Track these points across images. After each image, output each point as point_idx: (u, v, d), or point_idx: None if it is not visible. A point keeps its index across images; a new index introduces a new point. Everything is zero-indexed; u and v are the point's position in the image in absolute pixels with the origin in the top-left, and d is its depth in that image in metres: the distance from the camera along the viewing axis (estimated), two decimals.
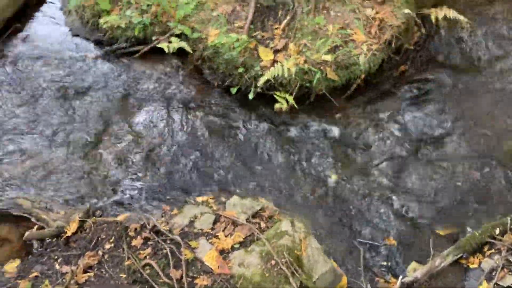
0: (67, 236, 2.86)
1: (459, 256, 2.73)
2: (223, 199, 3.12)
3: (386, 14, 3.81)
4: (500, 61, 4.05)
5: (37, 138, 3.60)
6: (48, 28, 4.54)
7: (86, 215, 2.96)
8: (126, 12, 4.13)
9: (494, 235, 2.74)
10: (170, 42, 3.87)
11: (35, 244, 2.93)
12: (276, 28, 3.89)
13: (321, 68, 3.62)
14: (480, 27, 4.18)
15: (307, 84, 3.67)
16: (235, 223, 2.72)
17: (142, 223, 2.78)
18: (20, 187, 3.31)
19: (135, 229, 2.74)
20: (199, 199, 3.12)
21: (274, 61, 3.69)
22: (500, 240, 2.71)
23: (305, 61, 3.61)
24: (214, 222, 2.76)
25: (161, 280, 2.38)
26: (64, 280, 2.49)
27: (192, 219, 2.81)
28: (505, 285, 2.53)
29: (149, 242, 2.63)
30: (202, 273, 2.42)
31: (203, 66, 4.05)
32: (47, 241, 2.92)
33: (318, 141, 3.57)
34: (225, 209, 2.90)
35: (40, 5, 4.77)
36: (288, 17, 3.88)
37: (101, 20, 4.15)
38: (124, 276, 2.44)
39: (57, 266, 2.62)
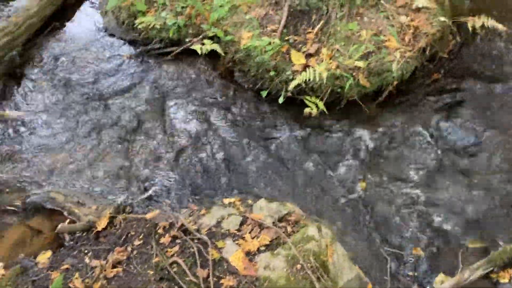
0: (97, 231, 2.93)
1: (489, 270, 2.68)
2: (250, 202, 3.13)
3: (421, 22, 3.76)
4: None
5: (72, 134, 3.71)
6: (85, 27, 4.67)
7: (116, 211, 3.02)
8: (161, 14, 4.20)
9: None
10: (203, 44, 3.91)
11: (67, 237, 3.02)
12: (309, 33, 3.88)
13: (353, 74, 3.60)
14: None
15: (338, 90, 3.65)
16: (261, 226, 2.73)
17: (170, 221, 2.82)
18: (54, 181, 3.41)
19: (164, 227, 2.78)
20: (226, 200, 3.14)
21: (306, 66, 3.69)
22: None
23: (337, 67, 3.60)
24: (241, 224, 2.78)
25: (187, 279, 2.41)
26: (93, 274, 2.55)
27: (219, 220, 2.83)
28: None
29: (177, 241, 2.67)
30: (228, 274, 2.44)
31: (234, 69, 4.09)
32: (78, 234, 3.01)
33: (347, 147, 3.55)
34: (252, 211, 2.92)
35: (79, 5, 4.92)
36: (321, 22, 3.87)
37: (137, 21, 4.24)
38: (152, 272, 2.49)
39: (87, 260, 2.69)
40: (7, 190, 3.36)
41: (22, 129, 3.75)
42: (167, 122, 3.78)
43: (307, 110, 3.65)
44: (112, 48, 4.39)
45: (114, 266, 2.58)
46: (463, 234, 3.08)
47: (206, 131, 3.73)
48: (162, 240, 2.69)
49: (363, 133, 3.64)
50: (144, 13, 4.28)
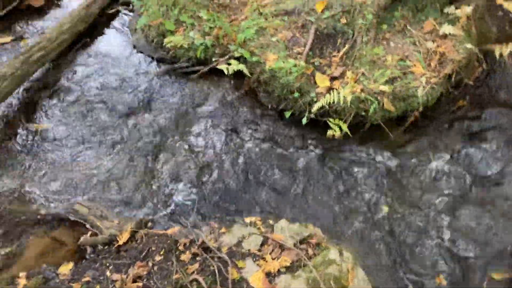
0: (119, 245, 2.97)
1: None
2: (271, 222, 3.14)
3: (447, 48, 3.76)
4: None
5: (98, 147, 3.78)
6: (115, 43, 4.79)
7: (138, 225, 3.06)
8: (190, 33, 4.29)
9: None
10: (229, 64, 3.97)
11: (88, 250, 3.06)
12: (334, 56, 3.92)
13: (378, 98, 3.60)
14: None
15: (362, 113, 3.65)
16: (282, 247, 2.73)
17: (191, 238, 2.84)
18: (78, 193, 3.47)
19: (185, 244, 2.80)
20: (247, 219, 3.15)
21: (330, 88, 3.71)
22: None
23: (362, 90, 3.61)
24: (262, 244, 2.78)
25: None
26: None
27: (240, 239, 2.84)
28: None
29: (197, 258, 2.68)
30: None
31: (258, 89, 4.13)
32: (100, 247, 3.05)
33: (371, 171, 3.54)
34: (273, 232, 2.92)
35: (109, 22, 5.06)
36: (347, 46, 3.90)
37: (165, 40, 4.33)
38: None
39: (108, 273, 2.71)
40: (33, 200, 3.42)
41: (49, 141, 3.84)
42: (191, 139, 3.83)
43: (330, 132, 3.66)
44: (140, 65, 4.48)
45: (134, 281, 2.60)
46: (487, 264, 3.02)
47: (229, 149, 3.76)
48: (183, 257, 2.71)
49: (386, 158, 3.62)
50: (172, 33, 4.37)
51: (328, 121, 3.67)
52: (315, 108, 3.60)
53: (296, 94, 3.78)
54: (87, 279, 2.69)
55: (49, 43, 4.36)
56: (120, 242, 2.96)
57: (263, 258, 2.65)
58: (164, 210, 3.35)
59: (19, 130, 3.92)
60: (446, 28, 3.82)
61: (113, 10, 5.17)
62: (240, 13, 4.43)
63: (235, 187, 3.48)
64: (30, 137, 3.87)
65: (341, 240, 3.05)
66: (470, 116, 3.91)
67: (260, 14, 4.25)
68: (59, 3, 5.44)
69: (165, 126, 3.92)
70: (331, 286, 2.42)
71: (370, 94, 3.61)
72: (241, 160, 3.67)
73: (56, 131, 3.91)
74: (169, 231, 2.98)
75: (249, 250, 2.74)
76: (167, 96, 4.17)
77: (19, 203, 3.39)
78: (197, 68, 4.32)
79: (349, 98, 3.51)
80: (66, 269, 2.90)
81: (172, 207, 3.37)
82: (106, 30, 4.97)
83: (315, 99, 3.70)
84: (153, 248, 2.81)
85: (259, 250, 2.73)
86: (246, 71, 3.97)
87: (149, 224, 3.18)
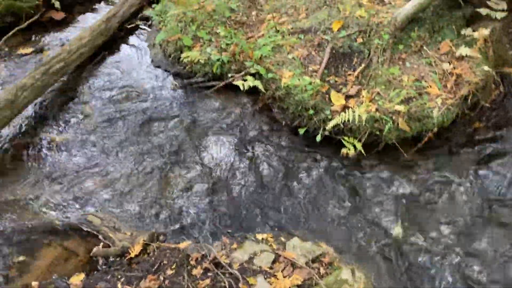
0: (131, 257, 2.98)
1: None
2: (283, 239, 3.13)
3: (464, 70, 3.76)
4: None
5: (112, 159, 3.81)
6: (133, 57, 4.87)
7: (150, 238, 3.06)
8: (207, 49, 4.35)
9: None
10: (245, 80, 4.01)
11: (100, 261, 3.07)
12: (349, 75, 3.94)
13: (393, 117, 3.59)
14: None
15: (377, 132, 3.65)
16: (294, 265, 2.72)
17: (203, 253, 2.84)
18: (91, 204, 3.50)
19: (196, 258, 2.80)
20: (259, 236, 3.14)
21: (345, 107, 3.72)
22: None
23: (377, 109, 3.61)
24: (273, 261, 2.77)
25: None
26: None
27: (251, 255, 2.83)
28: None
29: (209, 273, 2.68)
30: None
31: (273, 105, 4.15)
32: (112, 259, 3.06)
33: (384, 191, 3.51)
34: (285, 249, 2.91)
35: (128, 37, 5.15)
36: (362, 65, 3.92)
37: (183, 55, 4.40)
38: None
39: (119, 285, 2.72)
40: (46, 210, 3.46)
41: (66, 152, 3.89)
42: (205, 153, 3.85)
43: (344, 150, 3.66)
44: (157, 79, 4.55)
45: None
46: None
47: (242, 164, 3.77)
48: (194, 271, 2.70)
49: (400, 178, 3.60)
50: (190, 48, 4.44)
51: (342, 139, 3.67)
52: (329, 125, 3.61)
53: (311, 112, 3.79)
54: None
55: (69, 55, 4.45)
56: (132, 255, 2.97)
57: (275, 276, 2.64)
58: (177, 224, 3.35)
59: (36, 141, 3.98)
60: (463, 50, 3.82)
61: (132, 25, 5.27)
62: (257, 30, 4.49)
63: (247, 202, 3.48)
64: (46, 147, 3.93)
65: (353, 260, 3.02)
66: (486, 138, 3.88)
67: (277, 31, 4.30)
68: (79, 16, 5.57)
69: (180, 140, 3.95)
70: None
71: (385, 113, 3.61)
72: (253, 175, 3.67)
73: (72, 142, 3.96)
74: (181, 245, 2.98)
75: (260, 267, 2.73)
76: (182, 110, 4.21)
77: (33, 213, 3.43)
78: (212, 83, 4.37)
79: (364, 117, 3.52)
80: (77, 279, 2.91)
81: (184, 221, 3.37)
82: (125, 44, 5.07)
83: (329, 117, 3.71)
84: (165, 262, 2.81)
85: (271, 268, 2.72)
86: (261, 87, 4.01)
87: (161, 237, 3.18)
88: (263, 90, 4.03)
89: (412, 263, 3.10)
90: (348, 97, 3.81)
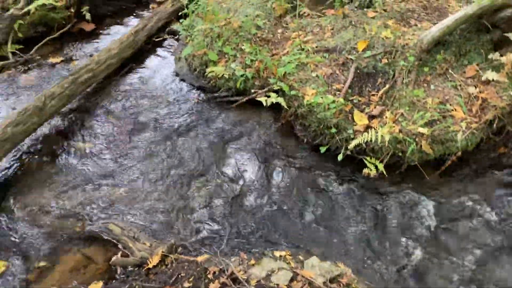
0: (149, 268, 2.99)
1: None
2: (301, 258, 3.11)
3: (490, 94, 3.71)
4: None
5: (134, 169, 3.86)
6: (159, 70, 4.97)
7: (169, 250, 3.08)
8: (231, 65, 4.41)
9: None
10: (268, 96, 4.04)
11: (119, 270, 3.10)
12: (373, 95, 3.93)
13: (416, 139, 3.57)
14: None
15: (400, 154, 3.63)
16: (312, 285, 2.69)
17: (220, 267, 2.84)
18: (112, 213, 3.54)
19: (214, 272, 2.80)
20: (277, 253, 3.13)
21: (368, 127, 3.71)
22: None
23: (400, 131, 3.59)
24: (291, 280, 2.75)
25: None
26: None
27: (269, 272, 2.82)
28: None
29: None
30: None
31: (295, 122, 4.17)
32: (130, 269, 3.08)
33: (405, 213, 3.47)
34: (303, 268, 2.89)
35: (155, 50, 5.27)
36: (387, 86, 3.91)
37: (208, 69, 4.46)
38: None
39: None
40: (69, 217, 3.51)
41: (90, 160, 3.96)
42: (225, 167, 3.87)
43: (365, 170, 3.63)
44: (181, 92, 4.62)
45: None
46: None
47: (263, 179, 3.78)
48: (211, 286, 2.70)
49: (421, 201, 3.56)
50: (215, 63, 4.50)
51: (364, 159, 3.65)
52: (352, 145, 3.60)
53: (333, 130, 3.79)
54: None
55: (97, 66, 4.56)
56: (150, 265, 2.98)
57: None
58: (195, 237, 3.36)
59: (62, 148, 4.06)
60: (490, 74, 3.78)
61: (159, 38, 5.39)
62: (282, 48, 4.53)
63: (266, 219, 3.48)
64: (73, 155, 4.00)
65: (371, 281, 2.98)
66: (511, 163, 3.82)
67: (302, 49, 4.33)
68: (109, 28, 5.72)
69: (201, 152, 3.98)
70: None
71: (409, 135, 3.59)
72: (273, 192, 3.68)
73: (97, 151, 4.03)
74: (199, 258, 2.99)
75: (277, 284, 2.71)
76: (205, 123, 4.26)
77: (56, 219, 3.49)
78: (236, 98, 4.42)
79: (387, 138, 3.50)
80: (96, 287, 2.94)
81: (203, 234, 3.38)
82: (152, 57, 5.17)
83: (352, 136, 3.70)
84: (183, 274, 2.82)
85: (288, 286, 2.70)
86: (284, 104, 4.03)
87: (180, 249, 3.20)
88: (285, 107, 4.06)
89: None
90: (371, 117, 3.80)
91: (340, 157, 3.73)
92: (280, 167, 3.87)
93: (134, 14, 6.03)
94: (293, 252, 3.18)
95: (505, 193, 3.59)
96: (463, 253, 3.25)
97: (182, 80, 4.77)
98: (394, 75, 3.96)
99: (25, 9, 5.24)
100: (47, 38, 5.34)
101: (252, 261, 2.98)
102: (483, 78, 3.83)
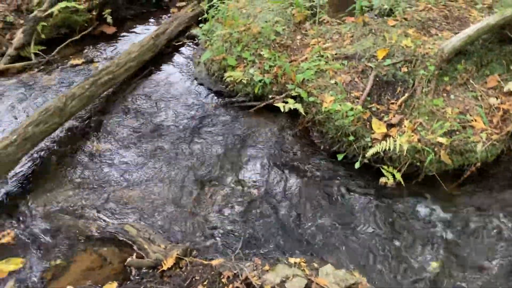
0: (163, 270, 3.00)
1: None
2: (316, 265, 3.08)
3: None
4: None
5: (150, 171, 3.89)
6: (177, 74, 5.01)
7: (184, 253, 3.08)
8: (250, 70, 4.43)
9: None
10: (286, 102, 4.05)
11: (133, 271, 3.11)
12: (392, 103, 3.90)
13: (435, 149, 3.53)
14: None
15: (418, 163, 3.59)
16: None
17: (235, 272, 2.83)
18: (128, 214, 3.56)
19: (228, 277, 2.80)
20: (292, 260, 3.11)
21: (386, 135, 3.68)
22: None
23: (419, 140, 3.56)
24: (305, 287, 2.73)
25: None
26: None
27: (283, 279, 2.80)
28: None
29: None
30: None
31: (312, 129, 4.16)
32: (144, 270, 3.09)
33: (422, 223, 3.43)
34: (318, 275, 2.87)
35: (174, 54, 5.31)
36: (406, 94, 3.89)
37: (226, 74, 4.49)
38: None
39: None
40: (85, 217, 3.54)
41: (108, 161, 4.00)
42: (241, 172, 3.87)
43: (383, 179, 3.61)
44: (199, 96, 4.65)
45: None
46: None
47: (278, 185, 3.77)
48: None
49: (439, 211, 3.51)
50: (233, 68, 4.52)
51: (381, 168, 3.62)
52: (369, 153, 3.58)
53: (351, 138, 3.77)
54: None
55: (117, 69, 4.61)
56: (165, 268, 2.99)
57: None
58: (210, 240, 3.36)
59: (80, 148, 4.12)
60: None
61: (179, 43, 5.44)
62: (301, 54, 4.53)
63: (281, 224, 3.47)
64: (90, 156, 4.05)
65: None
66: None
67: (321, 56, 4.32)
68: (129, 32, 5.79)
69: (217, 156, 4.00)
70: None
71: (427, 144, 3.56)
72: (288, 198, 3.66)
73: (114, 151, 4.07)
74: (213, 262, 2.99)
75: None
76: (222, 127, 4.28)
77: (73, 218, 3.52)
78: (253, 103, 4.43)
79: (405, 147, 3.47)
80: None
81: (217, 238, 3.38)
82: (171, 61, 5.23)
83: (370, 144, 3.68)
84: (197, 278, 2.82)
85: None
86: (301, 110, 4.03)
87: (194, 252, 3.20)
88: (303, 113, 4.05)
89: None
90: (389, 125, 3.77)
91: (357, 165, 3.71)
92: (296, 173, 3.86)
93: (155, 18, 6.11)
94: (308, 259, 3.15)
95: None
96: (479, 265, 3.19)
97: (201, 84, 4.80)
98: (413, 84, 3.93)
99: (49, 11, 5.34)
100: (69, 40, 5.44)
101: (267, 267, 2.97)
102: (505, 89, 3.78)
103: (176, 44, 5.42)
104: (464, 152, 3.60)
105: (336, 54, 4.33)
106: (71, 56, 5.30)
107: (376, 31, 4.45)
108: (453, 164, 3.60)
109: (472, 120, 3.69)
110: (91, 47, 5.49)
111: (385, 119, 3.81)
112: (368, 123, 3.82)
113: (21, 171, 3.89)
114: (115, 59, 4.74)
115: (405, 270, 3.17)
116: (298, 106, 4.01)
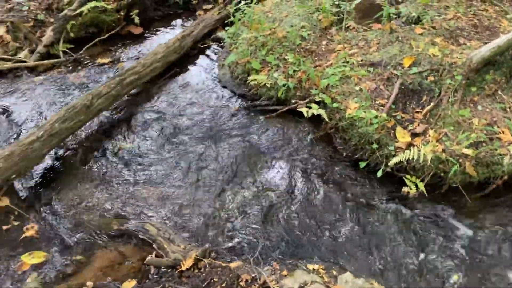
0: (182, 270, 3.02)
1: None
2: (334, 273, 3.07)
3: None
4: None
5: (171, 171, 3.92)
6: (202, 76, 5.05)
7: (203, 254, 3.10)
8: (274, 74, 4.43)
9: None
10: (309, 107, 4.03)
11: (152, 270, 3.14)
12: (417, 112, 3.86)
13: (460, 160, 3.47)
14: None
15: (441, 174, 3.54)
16: None
17: (253, 275, 2.84)
18: (148, 213, 3.60)
19: (246, 280, 2.80)
20: (310, 266, 3.10)
21: (410, 144, 3.64)
22: None
23: (444, 150, 3.50)
24: None
25: None
26: None
27: (301, 284, 2.80)
28: None
29: None
30: None
31: (335, 135, 4.14)
32: (163, 269, 3.12)
33: (443, 235, 3.37)
34: (336, 283, 2.85)
35: (199, 56, 5.36)
36: (432, 104, 3.83)
37: (250, 78, 4.50)
38: None
39: None
40: (106, 214, 3.59)
41: (128, 160, 4.05)
42: (262, 176, 3.87)
43: (405, 189, 3.56)
44: (222, 99, 4.67)
45: None
46: None
47: (299, 190, 3.76)
48: None
49: (462, 224, 3.44)
50: (257, 71, 4.53)
51: (404, 177, 3.58)
52: (392, 162, 3.54)
53: (374, 146, 3.74)
54: None
55: (143, 69, 4.67)
56: (184, 268, 3.01)
57: None
58: (229, 243, 3.37)
59: (104, 146, 4.18)
60: None
61: (204, 45, 5.48)
62: (326, 59, 4.51)
63: (301, 230, 3.45)
64: (113, 154, 4.11)
65: None
66: None
67: (346, 62, 4.30)
68: (156, 32, 5.85)
69: (238, 159, 4.00)
70: None
71: (452, 155, 3.50)
72: (309, 204, 3.64)
73: (137, 151, 4.12)
74: (232, 265, 3.00)
75: None
76: (244, 130, 4.29)
77: (94, 215, 3.58)
78: (276, 107, 4.43)
79: (429, 157, 3.42)
80: (129, 286, 2.99)
81: (236, 240, 3.38)
82: (196, 63, 5.27)
83: (393, 153, 3.64)
84: (215, 279, 2.83)
85: None
86: (325, 116, 4.01)
87: (213, 254, 3.21)
88: (326, 119, 4.03)
89: None
90: (414, 134, 3.73)
91: (379, 174, 3.67)
92: (317, 179, 3.84)
93: (181, 20, 6.16)
94: (326, 266, 3.14)
95: None
96: (502, 281, 3.12)
97: (224, 86, 4.82)
98: (440, 93, 3.88)
99: (78, 10, 5.44)
100: (97, 39, 5.52)
101: (285, 272, 2.97)
102: None
103: (202, 46, 5.45)
104: (490, 165, 3.53)
105: (361, 60, 4.30)
106: (98, 55, 5.39)
107: (403, 38, 4.40)
108: (478, 176, 3.53)
109: (500, 132, 3.61)
110: (118, 47, 5.57)
111: (410, 128, 3.77)
112: (392, 131, 3.77)
113: (45, 167, 3.97)
114: (141, 59, 4.80)
115: (426, 281, 3.12)
116: (322, 111, 4.00)
